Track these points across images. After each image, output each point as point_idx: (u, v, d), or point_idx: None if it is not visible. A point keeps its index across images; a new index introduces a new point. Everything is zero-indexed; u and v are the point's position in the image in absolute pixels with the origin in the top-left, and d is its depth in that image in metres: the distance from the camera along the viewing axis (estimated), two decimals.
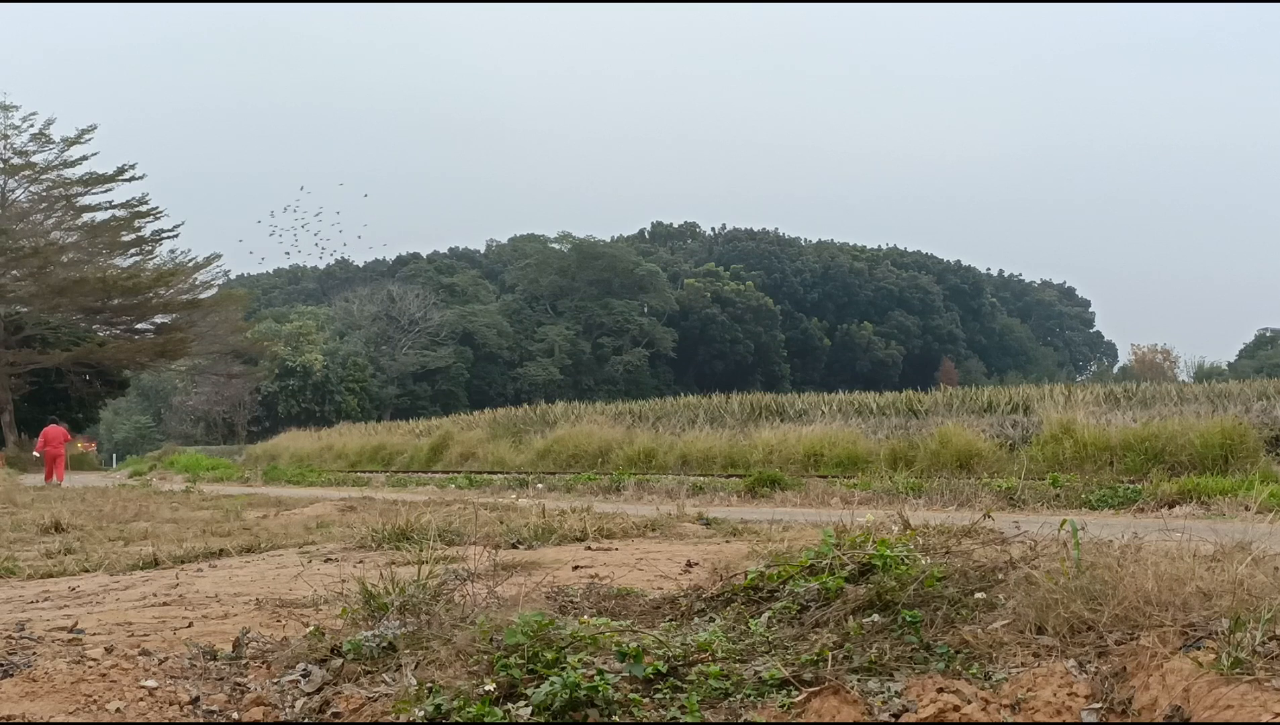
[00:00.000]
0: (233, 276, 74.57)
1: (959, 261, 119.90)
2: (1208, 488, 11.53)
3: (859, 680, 3.48)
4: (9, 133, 44.54)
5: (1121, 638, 3.50)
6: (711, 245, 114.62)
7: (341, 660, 4.00)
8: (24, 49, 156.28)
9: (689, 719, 3.31)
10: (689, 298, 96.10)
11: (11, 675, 3.77)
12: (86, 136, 45.39)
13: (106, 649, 4.20)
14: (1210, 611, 3.47)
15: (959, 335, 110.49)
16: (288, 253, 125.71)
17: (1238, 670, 3.06)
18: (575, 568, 6.71)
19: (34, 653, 4.14)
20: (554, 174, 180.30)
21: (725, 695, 3.44)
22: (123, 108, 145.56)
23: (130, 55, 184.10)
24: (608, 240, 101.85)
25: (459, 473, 22.95)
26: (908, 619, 3.82)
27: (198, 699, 3.67)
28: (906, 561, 4.23)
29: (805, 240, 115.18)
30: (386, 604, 4.48)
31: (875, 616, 3.92)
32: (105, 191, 46.41)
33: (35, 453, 30.44)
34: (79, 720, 3.44)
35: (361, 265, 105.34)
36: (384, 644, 4.03)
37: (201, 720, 3.56)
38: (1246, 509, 9.39)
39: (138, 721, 3.48)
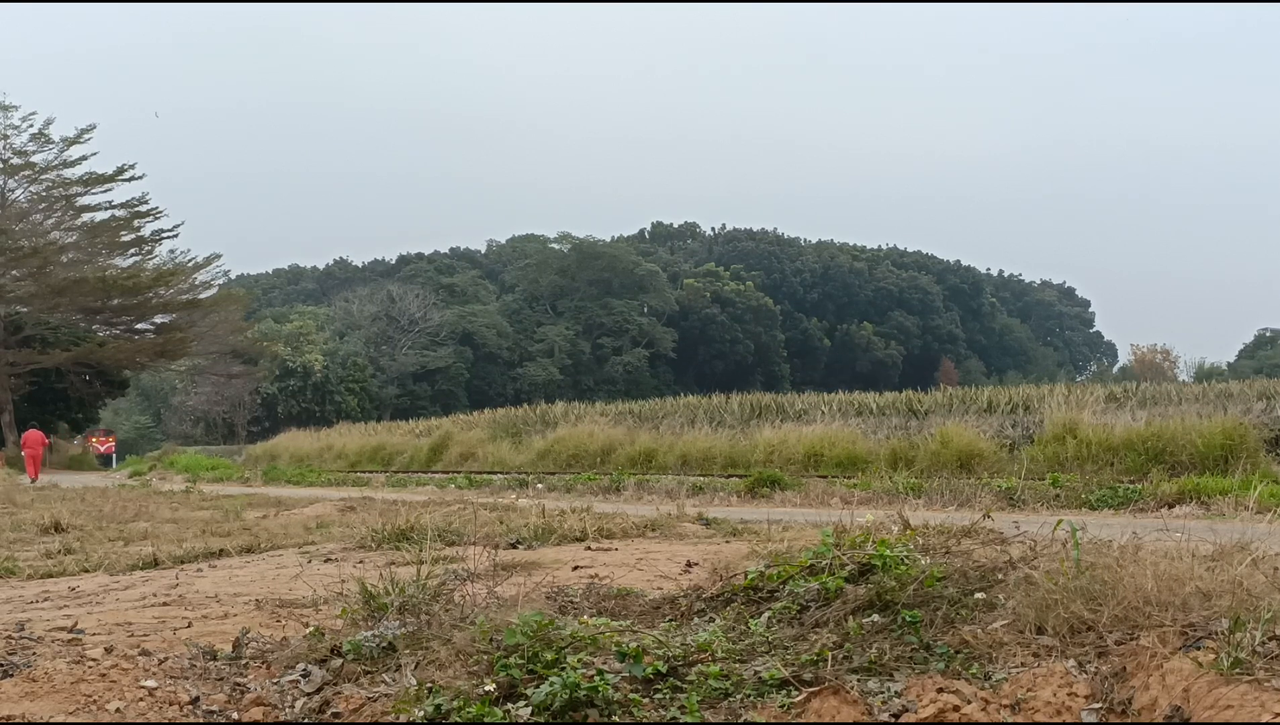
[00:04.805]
0: (233, 276, 74.59)
1: (959, 261, 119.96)
2: (1208, 488, 11.53)
3: (859, 680, 3.48)
4: (9, 133, 44.46)
5: (1121, 638, 3.49)
6: (711, 245, 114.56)
7: (341, 660, 4.00)
8: (24, 49, 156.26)
9: (689, 719, 3.31)
10: (689, 298, 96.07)
11: (11, 675, 3.77)
12: (86, 136, 45.30)
13: (106, 649, 4.20)
14: (1210, 611, 3.47)
15: (959, 335, 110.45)
16: None
17: (1237, 670, 3.06)
18: (575, 568, 6.71)
19: (34, 653, 4.14)
20: (554, 174, 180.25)
21: (725, 695, 3.44)
22: (123, 108, 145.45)
23: (131, 55, 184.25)
24: (608, 240, 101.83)
25: (459, 473, 22.93)
26: (908, 619, 3.82)
27: (198, 699, 3.67)
28: (906, 561, 4.23)
29: (805, 240, 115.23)
30: (386, 604, 4.48)
31: (875, 616, 3.92)
32: (105, 191, 46.30)
33: (23, 453, 33.25)
34: (79, 720, 3.44)
35: (361, 265, 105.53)
36: (384, 644, 4.02)
37: (201, 720, 3.56)
38: (1246, 509, 9.38)
39: (138, 721, 3.48)
